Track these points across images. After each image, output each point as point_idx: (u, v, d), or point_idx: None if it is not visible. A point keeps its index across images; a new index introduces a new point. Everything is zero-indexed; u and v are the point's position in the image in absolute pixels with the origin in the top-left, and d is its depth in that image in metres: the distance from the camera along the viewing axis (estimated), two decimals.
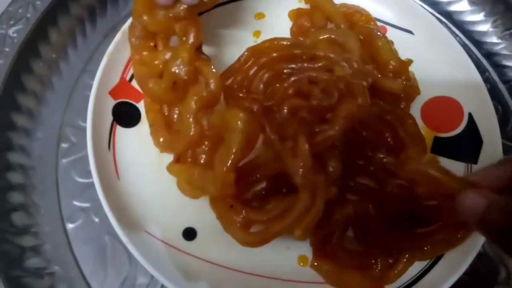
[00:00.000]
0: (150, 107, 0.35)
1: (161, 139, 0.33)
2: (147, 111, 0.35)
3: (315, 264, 0.31)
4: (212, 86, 0.31)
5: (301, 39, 0.38)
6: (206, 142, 0.31)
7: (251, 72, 0.35)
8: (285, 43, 0.36)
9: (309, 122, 0.32)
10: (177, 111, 0.33)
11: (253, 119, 0.29)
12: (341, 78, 0.33)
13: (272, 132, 0.31)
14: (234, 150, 0.28)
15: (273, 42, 0.36)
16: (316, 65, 0.35)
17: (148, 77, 0.33)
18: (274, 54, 0.35)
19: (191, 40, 0.31)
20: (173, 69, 0.31)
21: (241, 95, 0.34)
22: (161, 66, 0.32)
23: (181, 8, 0.31)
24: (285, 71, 0.35)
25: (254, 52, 0.36)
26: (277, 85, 0.34)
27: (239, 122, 0.28)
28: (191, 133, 0.30)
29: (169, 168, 0.32)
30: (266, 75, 0.35)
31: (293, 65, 0.35)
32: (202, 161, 0.31)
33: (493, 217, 0.21)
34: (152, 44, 0.33)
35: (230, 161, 0.28)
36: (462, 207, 0.22)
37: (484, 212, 0.21)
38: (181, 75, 0.31)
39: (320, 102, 0.32)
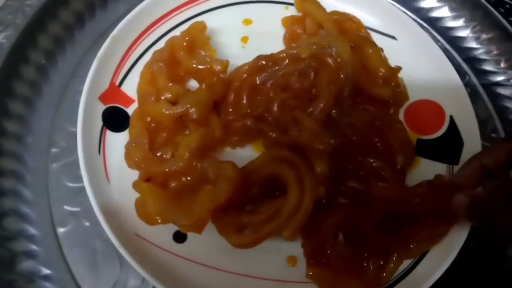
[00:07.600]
0: (136, 122, 0.35)
1: (137, 159, 0.33)
2: (132, 126, 0.35)
3: (311, 273, 0.31)
4: (217, 133, 0.34)
5: (294, 45, 0.38)
6: (186, 177, 0.32)
7: (231, 97, 0.36)
8: (246, 67, 0.37)
9: (300, 107, 0.33)
10: (164, 135, 0.34)
11: (241, 173, 0.31)
12: (308, 57, 0.35)
13: (271, 130, 0.33)
14: (222, 197, 0.30)
15: (237, 70, 0.37)
16: (282, 65, 0.36)
17: (153, 98, 0.35)
18: (244, 75, 0.36)
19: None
20: (188, 107, 0.33)
21: (230, 118, 0.35)
22: (170, 96, 0.35)
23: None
24: (258, 82, 0.36)
25: (225, 82, 0.36)
26: (258, 97, 0.35)
27: (231, 172, 0.31)
28: (180, 165, 0.32)
29: (137, 185, 0.32)
30: (245, 92, 0.36)
31: (264, 74, 0.36)
32: (171, 187, 0.32)
33: (473, 207, 0.29)
34: (172, 73, 0.36)
35: (214, 205, 0.30)
36: (454, 205, 0.30)
37: (467, 205, 0.29)
38: (193, 116, 0.34)
39: (301, 84, 0.34)
